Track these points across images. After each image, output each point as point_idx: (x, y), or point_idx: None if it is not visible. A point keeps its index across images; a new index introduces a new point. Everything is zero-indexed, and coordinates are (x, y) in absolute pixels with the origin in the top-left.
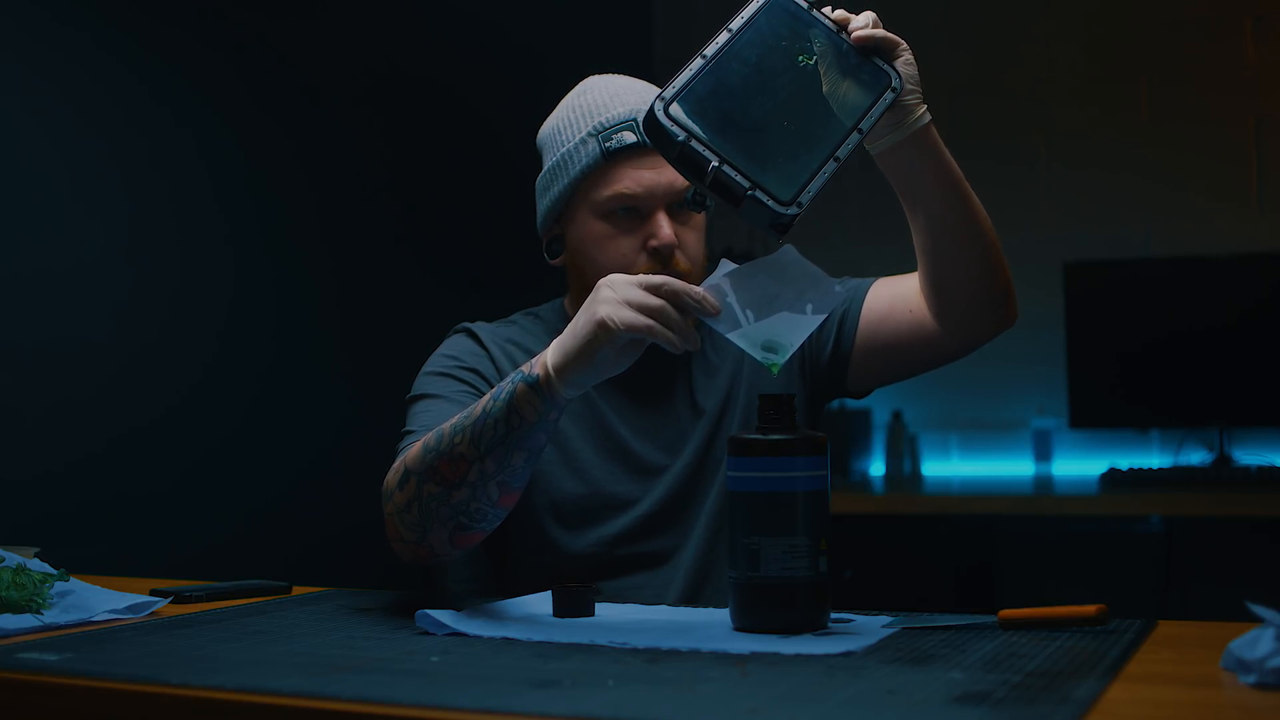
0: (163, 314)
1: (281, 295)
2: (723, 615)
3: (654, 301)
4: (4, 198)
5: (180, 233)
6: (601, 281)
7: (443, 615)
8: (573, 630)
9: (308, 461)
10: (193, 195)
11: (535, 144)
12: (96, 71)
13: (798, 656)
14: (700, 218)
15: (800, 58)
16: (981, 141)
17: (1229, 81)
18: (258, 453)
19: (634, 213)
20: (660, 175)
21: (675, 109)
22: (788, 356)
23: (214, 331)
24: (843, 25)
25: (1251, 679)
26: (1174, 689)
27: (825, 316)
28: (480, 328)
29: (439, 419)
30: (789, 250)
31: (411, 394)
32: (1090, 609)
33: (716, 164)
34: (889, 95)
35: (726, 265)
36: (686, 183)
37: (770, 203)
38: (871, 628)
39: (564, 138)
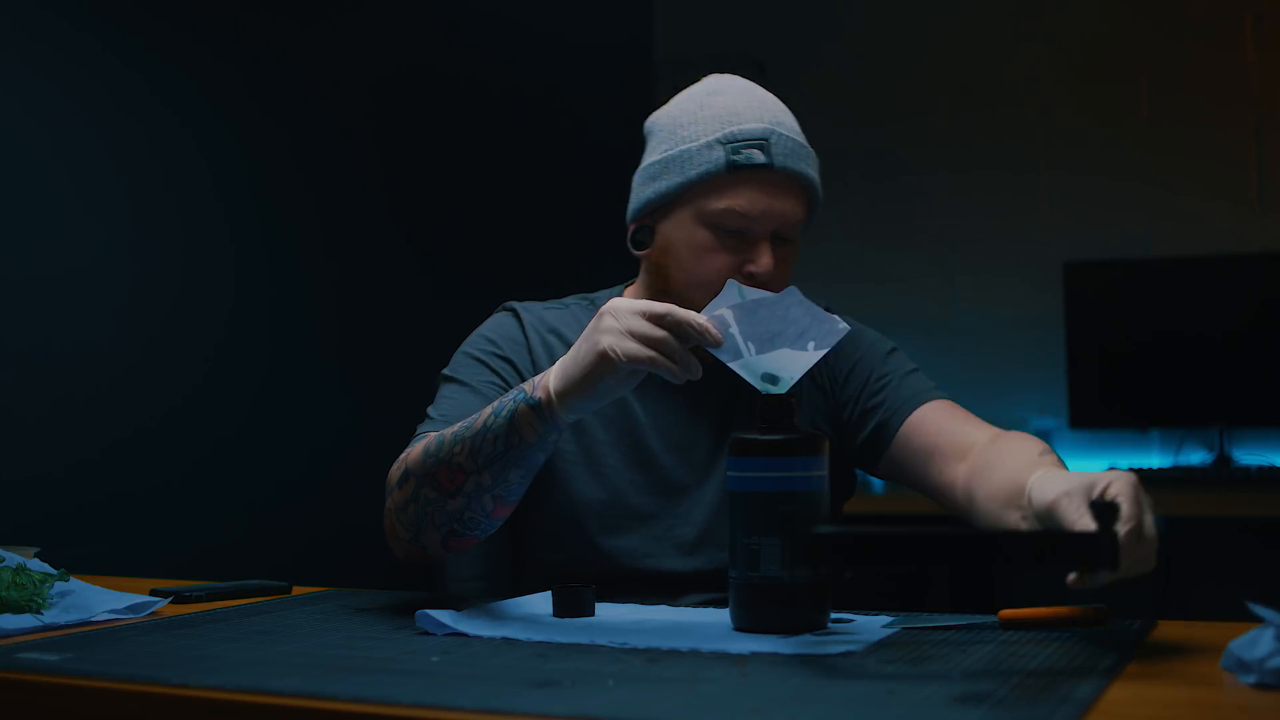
0: (164, 315)
1: (282, 296)
2: (723, 615)
3: (657, 333)
4: (5, 199)
5: (182, 234)
6: (604, 309)
7: (443, 615)
8: (573, 630)
9: (308, 461)
10: (194, 197)
11: (637, 130)
12: (98, 71)
13: (798, 656)
14: (793, 250)
15: None
16: (982, 141)
17: (1229, 81)
18: (258, 453)
19: (740, 232)
20: (776, 202)
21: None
22: (788, 388)
23: (215, 332)
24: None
25: (1251, 679)
26: (1174, 689)
27: (826, 351)
28: (527, 311)
29: (460, 410)
30: (793, 291)
31: (445, 372)
32: (1090, 609)
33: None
34: None
35: (733, 287)
36: (800, 216)
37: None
38: (871, 628)
39: (687, 134)
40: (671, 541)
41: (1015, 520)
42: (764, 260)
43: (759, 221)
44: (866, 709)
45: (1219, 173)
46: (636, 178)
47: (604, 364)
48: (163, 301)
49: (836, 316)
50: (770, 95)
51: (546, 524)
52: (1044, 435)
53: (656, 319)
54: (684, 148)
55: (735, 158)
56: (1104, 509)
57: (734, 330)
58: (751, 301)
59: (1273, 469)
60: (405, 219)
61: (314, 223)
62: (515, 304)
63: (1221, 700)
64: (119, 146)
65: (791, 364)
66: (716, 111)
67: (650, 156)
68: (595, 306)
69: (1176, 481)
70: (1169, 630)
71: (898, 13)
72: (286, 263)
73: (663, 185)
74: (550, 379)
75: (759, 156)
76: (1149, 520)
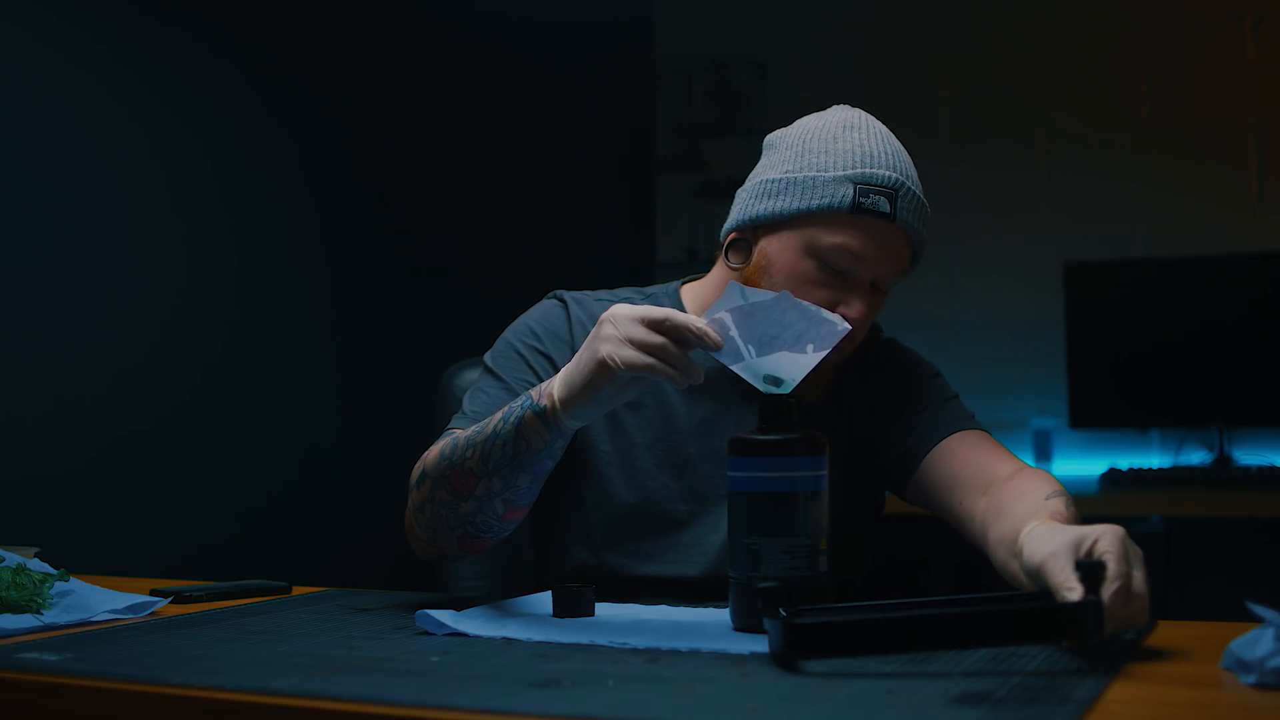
0: (164, 316)
1: (282, 297)
2: (723, 615)
3: (655, 339)
4: (6, 200)
5: (182, 235)
6: (604, 316)
7: (443, 615)
8: (573, 630)
9: (307, 461)
10: (194, 198)
11: (761, 143)
12: (99, 72)
13: None
14: (883, 301)
15: None
16: (982, 141)
17: (1229, 82)
18: (257, 453)
19: (844, 273)
20: (887, 253)
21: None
22: (791, 389)
23: (215, 333)
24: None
25: (1251, 679)
26: (1174, 689)
27: (827, 352)
28: (576, 303)
29: (491, 407)
30: (787, 295)
31: (486, 360)
32: None
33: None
34: None
35: (734, 289)
36: (904, 268)
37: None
38: None
39: (816, 162)
40: (699, 549)
41: (1016, 569)
42: (858, 306)
43: (867, 266)
44: (866, 709)
45: (1219, 173)
46: (747, 190)
47: (603, 372)
48: (162, 302)
49: (838, 317)
50: (899, 143)
51: (576, 523)
52: (1044, 435)
53: (655, 325)
54: (811, 174)
55: (863, 200)
56: (1090, 569)
57: (734, 333)
58: (750, 304)
59: (1273, 469)
60: (404, 221)
61: (314, 224)
62: (565, 294)
63: (1221, 700)
64: (120, 146)
65: (792, 366)
66: (851, 147)
67: (769, 173)
68: (648, 301)
69: (1176, 481)
70: (1169, 630)
71: (898, 13)
72: (287, 264)
73: (779, 205)
74: (555, 386)
75: (884, 205)
76: (1138, 575)
